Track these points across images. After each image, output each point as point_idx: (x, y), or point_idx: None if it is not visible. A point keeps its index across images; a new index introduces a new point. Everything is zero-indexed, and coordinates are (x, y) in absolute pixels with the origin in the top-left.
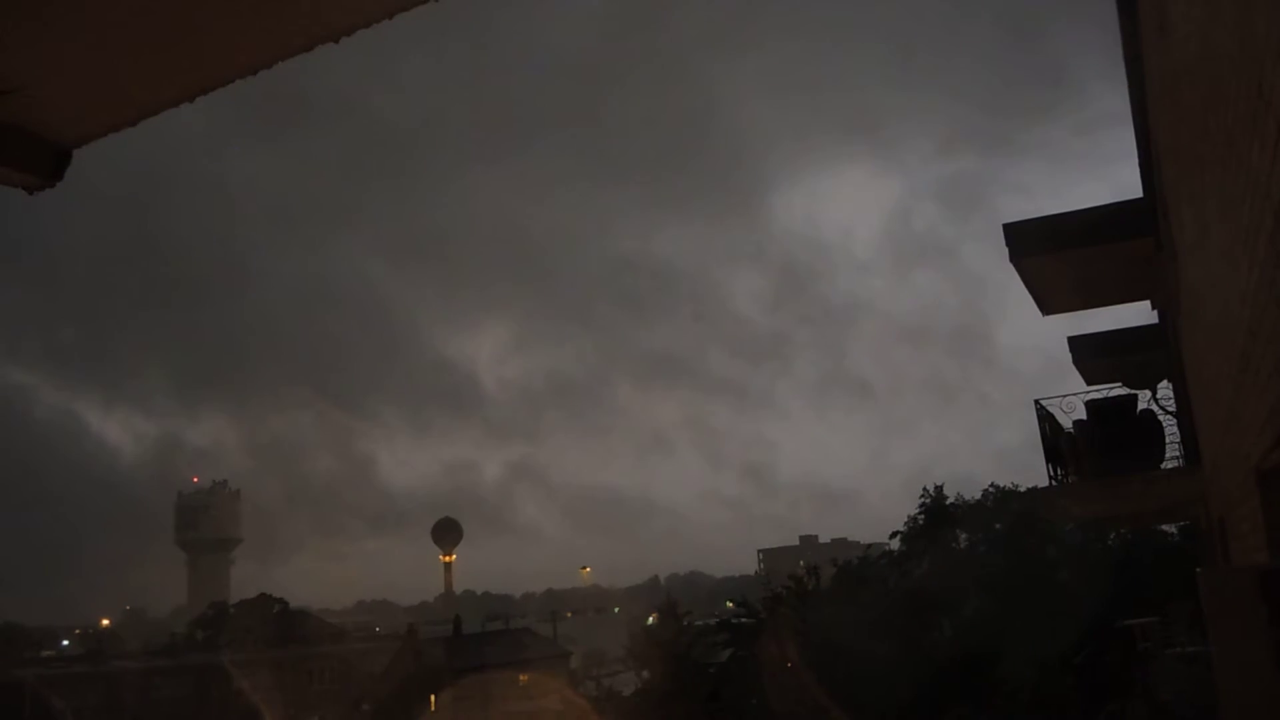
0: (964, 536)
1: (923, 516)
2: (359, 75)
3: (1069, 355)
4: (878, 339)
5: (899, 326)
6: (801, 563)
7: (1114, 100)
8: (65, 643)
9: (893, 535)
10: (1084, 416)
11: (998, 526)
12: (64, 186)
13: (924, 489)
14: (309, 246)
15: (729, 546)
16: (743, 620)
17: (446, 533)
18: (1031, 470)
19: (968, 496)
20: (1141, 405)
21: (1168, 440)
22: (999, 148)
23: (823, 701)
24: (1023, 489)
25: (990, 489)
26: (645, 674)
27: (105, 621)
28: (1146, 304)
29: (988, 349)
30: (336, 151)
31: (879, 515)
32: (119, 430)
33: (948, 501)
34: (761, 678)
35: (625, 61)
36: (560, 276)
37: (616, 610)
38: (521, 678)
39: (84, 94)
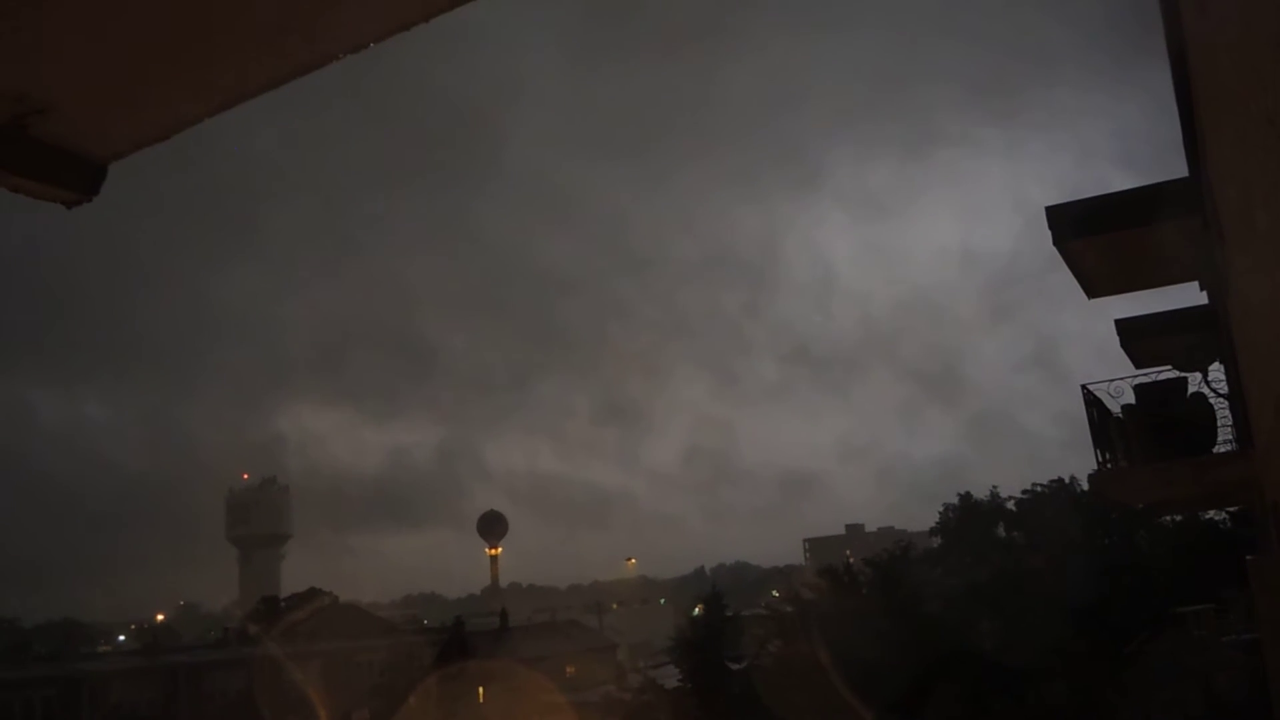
0: (1002, 530)
1: (954, 518)
2: None
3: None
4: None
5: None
6: (848, 552)
7: None
8: (122, 638)
9: (933, 533)
10: (1132, 401)
11: (1038, 527)
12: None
13: (955, 497)
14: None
15: (776, 536)
16: (776, 614)
17: (492, 526)
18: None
19: (1004, 492)
20: (1192, 388)
21: (1220, 424)
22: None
23: (852, 700)
24: (1066, 480)
25: (1036, 487)
26: (678, 671)
27: (160, 616)
28: (1195, 285)
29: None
30: None
31: (930, 498)
32: (167, 428)
33: (988, 500)
34: (794, 674)
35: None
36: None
37: (663, 601)
38: (568, 669)
39: (116, 111)
